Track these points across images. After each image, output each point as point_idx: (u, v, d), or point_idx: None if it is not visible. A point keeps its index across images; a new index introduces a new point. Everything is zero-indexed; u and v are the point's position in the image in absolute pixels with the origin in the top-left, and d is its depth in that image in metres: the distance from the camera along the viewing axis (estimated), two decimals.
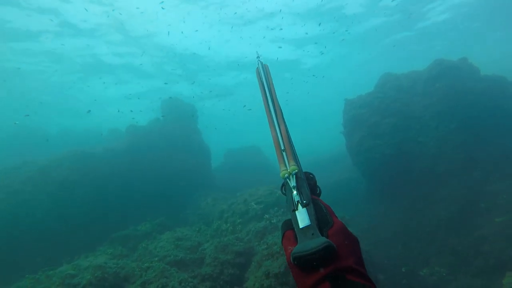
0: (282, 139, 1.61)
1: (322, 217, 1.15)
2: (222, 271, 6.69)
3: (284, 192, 1.41)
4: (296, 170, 1.39)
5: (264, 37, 24.43)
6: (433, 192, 12.46)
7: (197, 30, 21.99)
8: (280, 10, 20.87)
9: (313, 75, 31.49)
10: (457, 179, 12.07)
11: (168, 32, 21.22)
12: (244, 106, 23.42)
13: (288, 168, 1.41)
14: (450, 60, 13.90)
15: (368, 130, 13.51)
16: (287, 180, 1.37)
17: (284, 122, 1.73)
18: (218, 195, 15.16)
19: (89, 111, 23.15)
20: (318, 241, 0.96)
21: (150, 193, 14.31)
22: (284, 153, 1.52)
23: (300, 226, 1.11)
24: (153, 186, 14.54)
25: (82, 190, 12.88)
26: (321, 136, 56.66)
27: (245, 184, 15.38)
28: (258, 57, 2.36)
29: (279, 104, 1.89)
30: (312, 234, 1.03)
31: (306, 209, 1.16)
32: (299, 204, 1.19)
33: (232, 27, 22.52)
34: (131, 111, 23.73)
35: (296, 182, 1.32)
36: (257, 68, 2.22)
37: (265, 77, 2.08)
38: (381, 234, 12.21)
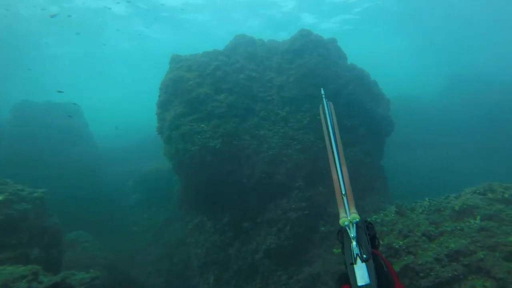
0: (344, 183, 1.67)
1: (382, 276, 1.17)
2: None
3: (340, 239, 1.45)
4: (358, 220, 1.41)
5: None
6: (264, 209, 9.56)
7: None
8: None
9: None
10: (300, 192, 9.45)
11: None
12: None
13: (348, 215, 1.45)
14: (319, 35, 9.93)
15: (190, 106, 8.56)
16: (347, 228, 1.39)
17: (345, 165, 1.81)
18: None
19: None
20: None
21: None
22: (345, 198, 1.57)
23: (359, 284, 1.11)
24: None
25: None
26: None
27: None
28: (323, 94, 2.50)
29: (341, 145, 2.03)
30: None
31: (366, 264, 1.15)
32: (358, 258, 1.18)
33: None
34: None
35: (356, 232, 1.34)
36: (321, 105, 2.38)
37: (329, 116, 2.20)
38: (193, 259, 10.30)
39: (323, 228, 9.36)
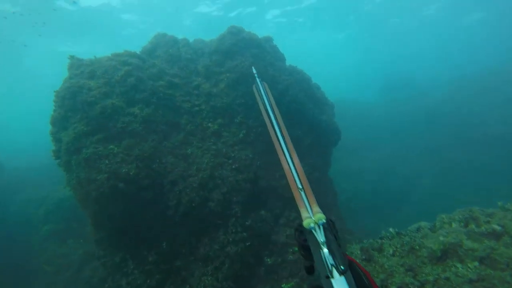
0: (298, 174, 1.52)
1: None
2: None
3: (302, 241, 1.28)
4: (324, 220, 1.27)
5: None
6: (197, 244, 8.00)
7: None
8: None
9: None
10: (239, 221, 8.03)
11: None
12: None
13: (312, 215, 1.31)
14: (251, 32, 8.49)
15: (95, 123, 6.86)
16: (313, 231, 1.24)
17: (295, 153, 1.64)
18: None
19: None
20: None
21: None
22: (302, 193, 1.43)
23: None
24: None
25: None
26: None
27: None
28: (255, 72, 2.61)
29: (285, 129, 1.86)
30: None
31: (345, 277, 1.04)
32: (334, 270, 1.06)
33: None
34: None
35: (325, 236, 1.20)
36: (255, 86, 2.37)
37: (266, 97, 2.09)
38: None
39: (268, 260, 8.07)
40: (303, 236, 1.25)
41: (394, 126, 20.97)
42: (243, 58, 9.31)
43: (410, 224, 14.93)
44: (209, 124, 8.77)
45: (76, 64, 8.64)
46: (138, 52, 10.04)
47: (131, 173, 7.40)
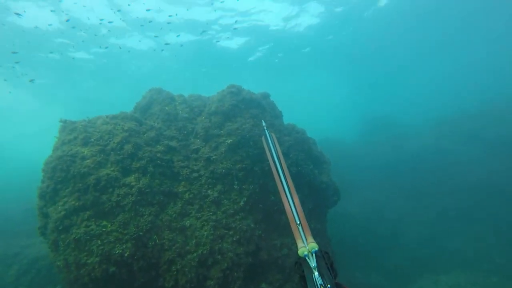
0: (297, 212, 1.80)
1: None
2: None
3: (301, 271, 1.43)
4: (316, 249, 1.55)
5: None
6: None
7: None
8: None
9: None
10: None
11: None
12: None
13: (306, 245, 1.57)
14: (250, 91, 8.51)
15: (87, 197, 7.34)
16: (306, 258, 1.47)
17: (296, 194, 2.02)
18: None
19: None
20: None
21: None
22: (300, 228, 1.71)
23: None
24: None
25: None
26: None
27: None
28: (264, 125, 3.22)
29: (289, 174, 2.28)
30: None
31: None
32: None
33: None
34: None
35: (317, 262, 1.42)
36: (264, 137, 2.74)
37: (273, 146, 2.42)
38: None
39: None
40: (302, 268, 1.41)
41: (376, 167, 21.29)
42: (243, 120, 9.12)
43: (403, 273, 14.69)
44: (209, 192, 8.39)
45: (68, 128, 8.11)
46: (133, 113, 9.67)
47: (125, 255, 6.85)
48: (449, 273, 13.69)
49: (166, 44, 24.43)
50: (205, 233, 7.82)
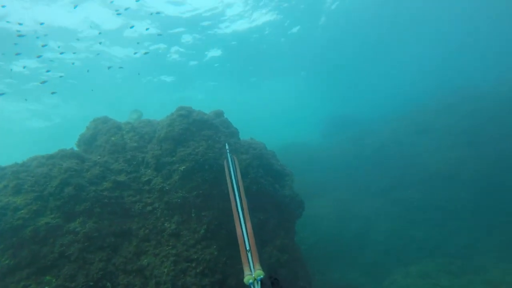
0: (248, 239, 1.84)
1: None
2: None
3: None
4: (262, 276, 1.52)
5: None
6: None
7: None
8: None
9: None
10: None
11: None
12: None
13: (253, 272, 1.56)
14: (201, 111, 8.15)
15: (24, 252, 7.11)
16: (251, 286, 1.50)
17: (250, 221, 2.06)
18: None
19: None
20: None
21: None
22: (249, 254, 1.70)
23: None
24: None
25: None
26: None
27: None
28: (227, 149, 3.08)
29: (246, 201, 2.38)
30: None
31: None
32: None
33: None
34: None
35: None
36: (226, 161, 2.71)
37: (233, 171, 2.52)
38: None
39: None
40: None
41: (341, 167, 21.73)
42: (196, 144, 8.71)
43: (377, 267, 14.92)
44: (166, 224, 7.89)
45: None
46: (78, 145, 8.95)
47: None
48: (419, 263, 14.12)
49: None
50: (165, 269, 7.30)
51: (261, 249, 8.98)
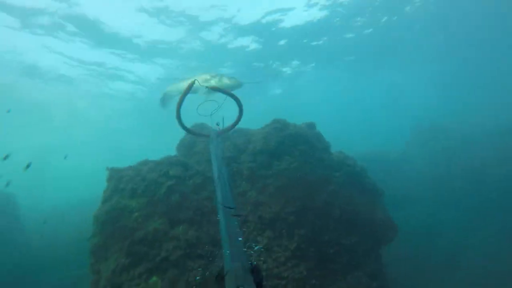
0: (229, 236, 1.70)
1: None
2: None
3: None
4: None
5: None
6: None
7: None
8: None
9: None
10: None
11: None
12: None
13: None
14: (297, 125, 8.11)
15: (136, 253, 7.65)
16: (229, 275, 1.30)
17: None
18: None
19: None
20: None
21: None
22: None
23: None
24: None
25: None
26: None
27: None
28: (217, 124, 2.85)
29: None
30: None
31: None
32: None
33: None
34: None
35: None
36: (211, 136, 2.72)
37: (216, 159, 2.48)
38: None
39: None
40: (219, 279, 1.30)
41: (430, 181, 19.55)
42: (291, 159, 8.57)
43: None
44: (258, 238, 7.95)
45: (115, 177, 8.09)
46: (178, 149, 9.60)
47: None
48: None
49: None
50: None
51: (348, 274, 8.52)
